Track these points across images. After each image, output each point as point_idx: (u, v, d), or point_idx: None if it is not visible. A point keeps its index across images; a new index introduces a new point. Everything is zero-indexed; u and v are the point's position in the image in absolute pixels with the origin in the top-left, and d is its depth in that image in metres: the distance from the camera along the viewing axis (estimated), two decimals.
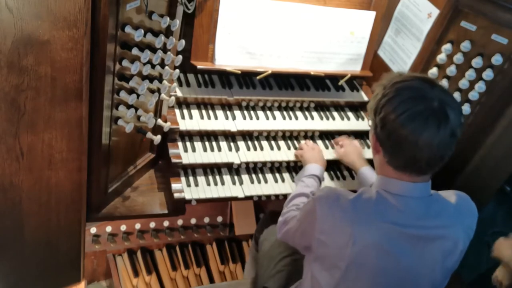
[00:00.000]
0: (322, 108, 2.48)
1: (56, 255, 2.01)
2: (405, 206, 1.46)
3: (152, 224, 2.74)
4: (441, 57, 2.04)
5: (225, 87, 2.33)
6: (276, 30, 2.20)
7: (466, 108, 2.03)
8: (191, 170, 2.18)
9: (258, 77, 2.23)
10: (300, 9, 2.19)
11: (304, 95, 2.42)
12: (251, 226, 2.82)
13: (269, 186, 2.22)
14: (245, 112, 2.32)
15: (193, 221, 2.84)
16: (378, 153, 1.50)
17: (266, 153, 2.26)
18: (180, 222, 2.82)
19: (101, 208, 2.03)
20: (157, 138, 1.99)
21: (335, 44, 2.32)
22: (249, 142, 2.28)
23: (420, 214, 1.48)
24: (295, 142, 2.35)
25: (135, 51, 1.68)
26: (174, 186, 2.08)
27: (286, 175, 2.29)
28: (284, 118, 2.36)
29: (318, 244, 1.54)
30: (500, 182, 2.27)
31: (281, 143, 2.33)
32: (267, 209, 2.86)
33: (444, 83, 2.05)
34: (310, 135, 2.39)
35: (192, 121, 2.19)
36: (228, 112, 2.28)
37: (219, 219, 2.91)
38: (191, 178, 2.15)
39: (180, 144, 2.16)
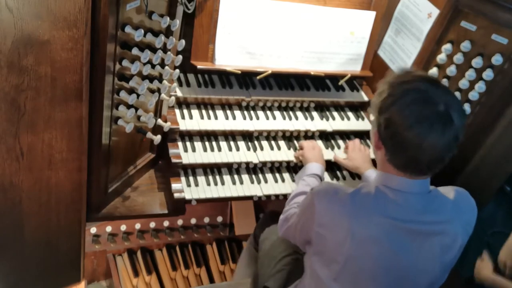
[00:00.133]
0: (322, 108, 2.48)
1: (56, 255, 2.01)
2: (404, 201, 1.47)
3: (152, 224, 2.74)
4: (441, 57, 2.04)
5: (225, 87, 2.33)
6: (276, 30, 2.20)
7: (466, 108, 2.02)
8: (191, 170, 2.18)
9: (258, 77, 2.23)
10: (300, 9, 2.19)
11: (304, 95, 2.42)
12: (251, 226, 2.82)
13: (269, 186, 2.22)
14: (245, 112, 2.32)
15: (193, 221, 2.84)
16: (379, 149, 1.50)
17: (266, 153, 2.26)
18: (180, 222, 2.82)
19: (101, 208, 2.03)
20: (157, 138, 1.99)
21: (335, 44, 2.32)
22: (249, 142, 2.28)
23: (419, 209, 1.48)
24: (295, 142, 2.35)
25: (135, 51, 1.68)
26: (174, 186, 2.08)
27: (286, 175, 2.29)
28: (284, 118, 2.36)
29: (317, 238, 1.55)
30: (500, 182, 2.27)
31: (281, 143, 2.33)
32: (267, 209, 2.86)
33: (444, 83, 2.05)
34: (310, 135, 2.39)
35: (192, 121, 2.19)
36: (228, 112, 2.28)
37: (219, 219, 2.91)
38: (191, 178, 2.15)
39: (180, 144, 2.16)
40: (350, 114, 2.51)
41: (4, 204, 1.72)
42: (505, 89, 1.94)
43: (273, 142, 2.31)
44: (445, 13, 2.03)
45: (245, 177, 2.22)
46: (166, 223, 2.78)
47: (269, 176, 2.26)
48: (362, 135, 2.49)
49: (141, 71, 1.76)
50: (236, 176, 2.21)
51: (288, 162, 2.30)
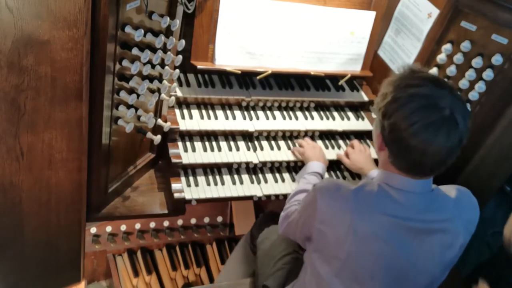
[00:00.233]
0: (322, 108, 2.48)
1: (56, 255, 2.01)
2: (406, 200, 1.47)
3: (152, 224, 2.74)
4: (441, 57, 2.04)
5: (225, 87, 2.33)
6: (276, 30, 2.19)
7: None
8: (191, 170, 2.18)
9: (258, 77, 2.23)
10: (300, 9, 2.19)
11: (304, 95, 2.42)
12: (251, 226, 2.82)
13: (269, 186, 2.22)
14: (245, 112, 2.32)
15: (193, 221, 2.84)
16: (382, 150, 1.50)
17: (266, 153, 2.26)
18: (180, 222, 2.82)
19: (101, 208, 2.03)
20: (157, 138, 1.99)
21: (335, 44, 2.32)
22: (249, 142, 2.28)
23: (421, 208, 1.49)
24: (295, 142, 2.35)
25: (135, 51, 1.68)
26: (174, 186, 2.08)
27: (286, 175, 2.29)
28: (284, 118, 2.36)
29: (318, 235, 1.56)
30: (500, 182, 2.27)
31: (281, 143, 2.33)
32: (267, 209, 2.86)
33: None
34: (310, 135, 2.39)
35: (192, 121, 2.19)
36: (228, 112, 2.28)
37: (219, 219, 2.91)
38: (191, 178, 2.15)
39: (180, 144, 2.16)
40: (350, 114, 2.51)
41: (4, 204, 1.72)
42: (505, 89, 1.94)
43: (273, 142, 2.31)
44: (445, 13, 2.03)
45: (245, 177, 2.22)
46: (166, 223, 2.78)
47: (269, 176, 2.26)
48: (362, 135, 2.49)
49: (141, 71, 1.76)
50: (236, 176, 2.21)
51: (288, 162, 2.30)
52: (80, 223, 1.95)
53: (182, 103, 2.24)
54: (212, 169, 2.22)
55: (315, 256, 1.61)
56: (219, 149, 2.21)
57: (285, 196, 2.22)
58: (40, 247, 1.94)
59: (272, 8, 2.15)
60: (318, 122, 2.40)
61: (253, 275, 2.33)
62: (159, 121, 2.01)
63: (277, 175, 2.28)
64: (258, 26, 2.16)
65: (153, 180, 2.24)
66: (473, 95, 2.00)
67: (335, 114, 2.48)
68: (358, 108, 2.55)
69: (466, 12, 1.95)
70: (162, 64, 1.87)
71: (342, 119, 2.47)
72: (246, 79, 2.39)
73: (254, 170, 2.26)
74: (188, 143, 2.18)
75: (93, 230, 2.59)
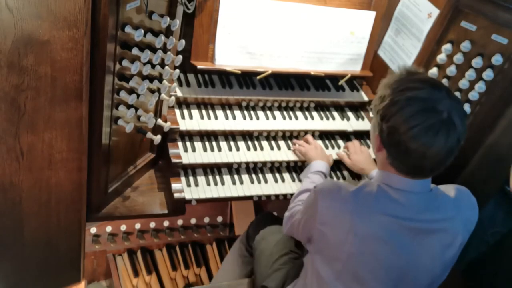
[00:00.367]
0: (322, 108, 2.48)
1: (56, 255, 2.01)
2: (406, 200, 1.48)
3: (152, 224, 2.74)
4: (441, 57, 2.04)
5: (225, 87, 2.33)
6: (276, 30, 2.19)
7: (466, 108, 2.03)
8: (191, 170, 2.18)
9: (258, 77, 2.23)
10: (300, 9, 2.19)
11: (304, 95, 2.42)
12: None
13: (269, 186, 2.22)
14: (245, 112, 2.32)
15: (193, 221, 2.84)
16: (380, 151, 1.51)
17: (266, 153, 2.26)
18: (180, 222, 2.82)
19: (101, 208, 2.03)
20: (157, 138, 1.99)
21: (335, 44, 2.32)
22: (249, 142, 2.28)
23: (420, 208, 1.49)
24: (295, 142, 2.34)
25: (135, 51, 1.68)
26: (174, 186, 2.08)
27: (286, 175, 2.29)
28: (284, 118, 2.36)
29: (319, 236, 1.56)
30: (500, 182, 2.27)
31: (281, 143, 2.33)
32: (267, 209, 2.86)
33: (444, 83, 2.05)
34: (310, 135, 2.39)
35: (192, 121, 2.19)
36: (228, 112, 2.28)
37: (219, 219, 2.91)
38: (191, 178, 2.15)
39: (180, 144, 2.16)
40: (350, 114, 2.51)
41: (4, 204, 1.72)
42: (505, 89, 1.94)
43: (273, 142, 2.31)
44: (445, 13, 2.03)
45: (245, 177, 2.22)
46: (166, 223, 2.78)
47: (269, 176, 2.26)
48: (362, 135, 2.49)
49: (141, 71, 1.76)
50: (236, 176, 2.21)
51: (288, 162, 2.30)
52: (80, 223, 1.95)
53: (182, 103, 2.24)
54: (212, 169, 2.22)
55: (316, 258, 1.62)
56: (219, 149, 2.21)
57: (285, 196, 2.23)
58: (40, 247, 1.94)
59: (272, 8, 2.15)
60: (318, 122, 2.40)
61: (250, 276, 2.33)
62: (159, 121, 2.01)
63: (277, 175, 2.28)
64: (258, 26, 2.16)
65: (153, 180, 2.24)
66: (473, 95, 2.00)
67: (335, 114, 2.48)
68: (358, 108, 2.55)
69: (466, 12, 1.94)
70: (162, 64, 1.87)
71: (342, 119, 2.47)
72: (246, 79, 2.39)
73: (254, 170, 2.26)
74: (188, 143, 2.18)
75: (93, 230, 2.59)
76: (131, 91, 1.78)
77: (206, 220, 2.87)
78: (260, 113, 2.34)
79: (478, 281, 2.15)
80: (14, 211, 1.76)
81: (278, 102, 2.39)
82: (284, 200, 2.26)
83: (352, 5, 2.31)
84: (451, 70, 2.02)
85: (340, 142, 2.44)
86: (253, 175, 2.24)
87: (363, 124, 2.48)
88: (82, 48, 1.47)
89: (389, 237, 1.47)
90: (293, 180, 2.27)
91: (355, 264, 1.51)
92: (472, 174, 2.14)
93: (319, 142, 2.38)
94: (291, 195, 2.21)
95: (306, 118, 2.40)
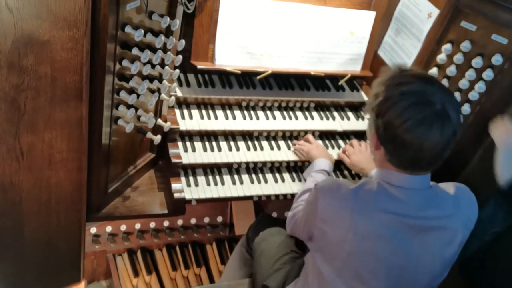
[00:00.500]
0: (322, 108, 2.48)
1: (56, 255, 2.01)
2: (406, 197, 1.48)
3: (152, 224, 2.73)
4: (441, 57, 2.04)
5: (225, 87, 2.33)
6: (276, 30, 2.19)
7: (466, 108, 2.03)
8: (191, 170, 2.18)
9: (258, 77, 2.23)
10: (300, 9, 2.19)
11: (304, 95, 2.42)
12: None
13: (269, 186, 2.22)
14: (245, 112, 2.32)
15: (193, 221, 2.84)
16: (378, 149, 1.51)
17: (266, 153, 2.26)
18: (180, 222, 2.82)
19: (101, 208, 2.03)
20: (157, 138, 1.99)
21: (335, 44, 2.32)
22: (249, 142, 2.28)
23: (420, 205, 1.49)
24: (295, 141, 2.35)
25: (135, 51, 1.68)
26: (174, 186, 2.08)
27: (286, 175, 2.29)
28: (284, 118, 2.36)
29: (320, 234, 1.57)
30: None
31: (281, 143, 2.33)
32: (267, 209, 2.86)
33: (444, 83, 2.05)
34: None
35: (192, 121, 2.19)
36: (228, 112, 2.28)
37: (219, 219, 2.91)
38: (191, 178, 2.15)
39: (180, 144, 2.16)
40: (350, 114, 2.51)
41: (4, 204, 1.72)
42: (505, 89, 1.94)
43: (273, 142, 2.31)
44: (445, 13, 2.03)
45: (245, 177, 2.22)
46: (166, 223, 2.78)
47: (269, 176, 2.26)
48: (362, 135, 2.48)
49: (141, 71, 1.76)
50: (236, 176, 2.21)
51: (288, 162, 2.30)
52: (80, 223, 1.95)
53: (182, 103, 2.24)
54: (212, 169, 2.22)
55: (317, 256, 1.62)
56: (219, 149, 2.21)
57: (285, 196, 2.23)
58: (40, 247, 1.94)
59: (272, 8, 2.15)
60: (318, 122, 2.41)
61: (251, 277, 2.33)
62: (159, 121, 2.01)
63: (277, 175, 2.28)
64: (258, 26, 2.16)
65: (153, 180, 2.24)
66: (473, 95, 2.00)
67: (335, 114, 2.48)
68: (358, 108, 2.55)
69: (466, 12, 1.94)
70: (162, 64, 1.87)
71: (342, 119, 2.47)
72: (246, 79, 2.39)
73: (254, 170, 2.26)
74: (188, 143, 2.18)
75: (93, 230, 2.59)
76: (131, 91, 1.78)
77: (206, 220, 2.87)
78: (260, 113, 2.34)
79: (477, 280, 2.15)
80: (14, 211, 1.76)
81: (278, 102, 2.39)
82: (284, 200, 2.26)
83: (352, 5, 2.31)
84: (451, 70, 2.02)
85: (340, 142, 2.44)
86: (253, 175, 2.24)
87: (363, 124, 2.48)
88: (82, 48, 1.47)
89: (389, 234, 1.47)
90: (293, 180, 2.28)
91: (356, 262, 1.51)
92: (472, 174, 2.14)
93: (319, 142, 2.38)
94: (291, 195, 2.22)
95: (306, 118, 2.40)
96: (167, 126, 2.03)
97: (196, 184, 2.14)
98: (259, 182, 2.22)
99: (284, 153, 2.29)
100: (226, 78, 2.37)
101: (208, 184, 2.15)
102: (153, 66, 1.80)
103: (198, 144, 2.20)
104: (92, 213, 1.99)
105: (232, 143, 2.25)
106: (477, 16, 1.92)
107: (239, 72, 2.19)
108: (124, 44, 1.66)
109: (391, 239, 1.48)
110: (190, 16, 2.04)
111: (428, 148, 1.39)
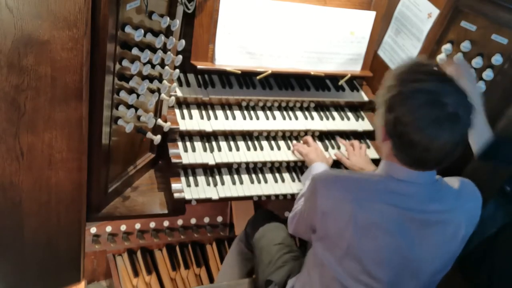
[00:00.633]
0: (322, 108, 2.48)
1: (56, 255, 2.01)
2: (409, 190, 1.48)
3: (152, 224, 2.74)
4: (441, 57, 2.04)
5: (225, 87, 2.33)
6: (276, 30, 2.19)
7: None
8: (191, 170, 2.18)
9: (258, 77, 2.23)
10: (300, 9, 2.19)
11: (304, 95, 2.42)
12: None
13: (269, 186, 2.22)
14: (245, 112, 2.32)
15: (193, 221, 2.84)
16: (386, 141, 1.49)
17: (266, 153, 2.26)
18: (180, 222, 2.82)
19: (101, 208, 2.03)
20: (157, 138, 1.99)
21: (335, 44, 2.32)
22: (249, 142, 2.28)
23: (424, 199, 1.49)
24: (295, 142, 2.35)
25: (135, 51, 1.68)
26: (174, 186, 2.08)
27: (286, 175, 2.29)
28: (284, 118, 2.36)
29: (321, 224, 1.56)
30: (500, 182, 2.27)
31: (281, 143, 2.33)
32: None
33: None
34: (310, 135, 2.39)
35: (192, 121, 2.19)
36: (228, 112, 2.28)
37: (219, 219, 2.91)
38: (191, 178, 2.15)
39: (180, 144, 2.16)
40: (350, 114, 2.51)
41: (4, 204, 1.72)
42: (505, 89, 1.93)
43: (273, 142, 2.31)
44: (445, 13, 2.03)
45: (245, 177, 2.22)
46: (166, 223, 2.78)
47: (269, 176, 2.26)
48: (362, 135, 2.49)
49: (141, 71, 1.76)
50: (236, 176, 2.21)
51: (288, 162, 2.30)
52: (80, 223, 1.95)
53: (182, 103, 2.24)
54: (212, 169, 2.22)
55: (319, 245, 1.61)
56: (219, 149, 2.21)
57: (285, 196, 2.23)
58: (40, 247, 1.94)
59: (272, 8, 2.15)
60: (318, 122, 2.40)
61: (251, 274, 2.33)
62: (159, 121, 2.01)
63: (277, 175, 2.28)
64: (258, 26, 2.16)
65: (153, 180, 2.24)
66: None
67: (335, 114, 2.48)
68: (358, 108, 2.55)
69: (466, 12, 1.95)
70: (162, 64, 1.87)
71: (342, 119, 2.47)
72: (246, 79, 2.39)
73: (254, 170, 2.26)
74: (188, 143, 2.18)
75: (93, 230, 2.59)
76: (131, 91, 1.78)
77: (206, 220, 2.87)
78: (260, 113, 2.34)
79: (475, 276, 2.15)
80: (14, 211, 1.76)
81: (278, 102, 2.39)
82: (284, 200, 2.26)
83: (352, 5, 2.31)
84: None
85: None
86: (253, 175, 2.24)
87: (363, 124, 2.48)
88: (82, 48, 1.47)
89: (390, 226, 1.46)
90: (293, 180, 2.27)
91: (356, 251, 1.50)
92: (472, 174, 2.14)
93: (319, 142, 2.38)
94: (291, 195, 2.22)
95: (306, 118, 2.40)
96: (167, 126, 2.03)
97: (196, 184, 2.13)
98: (259, 182, 2.22)
99: (284, 153, 2.29)
100: (226, 78, 2.37)
101: (208, 184, 2.15)
102: (153, 66, 1.80)
103: (198, 144, 2.20)
104: (92, 213, 1.99)
105: (232, 143, 2.25)
106: (477, 16, 1.92)
107: (239, 72, 2.19)
108: (124, 44, 1.66)
109: (392, 231, 1.47)
110: (190, 16, 2.04)
111: (435, 149, 1.38)
